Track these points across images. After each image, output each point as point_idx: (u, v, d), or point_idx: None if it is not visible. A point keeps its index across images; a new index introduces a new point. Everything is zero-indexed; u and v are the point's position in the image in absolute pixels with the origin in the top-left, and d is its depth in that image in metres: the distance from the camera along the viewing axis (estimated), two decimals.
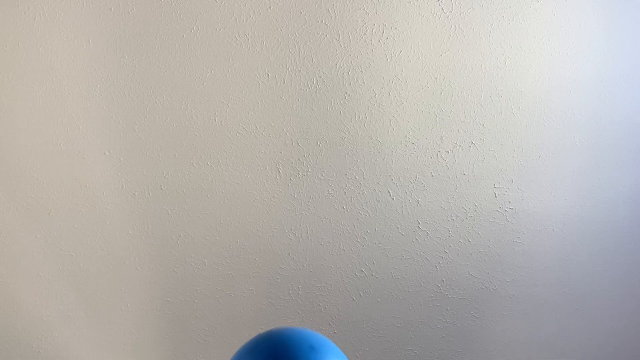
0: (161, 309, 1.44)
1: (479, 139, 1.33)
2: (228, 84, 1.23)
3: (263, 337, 0.93)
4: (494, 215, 1.41)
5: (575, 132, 1.36)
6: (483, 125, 1.32)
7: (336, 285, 1.44)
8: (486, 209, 1.40)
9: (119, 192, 1.30)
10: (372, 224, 1.39)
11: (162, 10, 1.18)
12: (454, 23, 1.24)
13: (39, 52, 1.18)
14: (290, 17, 1.20)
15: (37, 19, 1.16)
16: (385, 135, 1.31)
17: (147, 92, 1.23)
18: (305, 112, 1.27)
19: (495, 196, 1.39)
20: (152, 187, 1.31)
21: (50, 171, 1.27)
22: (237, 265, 1.40)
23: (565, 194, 1.41)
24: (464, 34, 1.25)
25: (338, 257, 1.41)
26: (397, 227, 1.40)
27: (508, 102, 1.31)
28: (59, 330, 1.44)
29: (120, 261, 1.37)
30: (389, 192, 1.36)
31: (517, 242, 1.45)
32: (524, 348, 1.58)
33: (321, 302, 1.45)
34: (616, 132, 1.38)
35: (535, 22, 1.26)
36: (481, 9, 1.23)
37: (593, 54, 1.30)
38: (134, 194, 1.31)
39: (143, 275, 1.39)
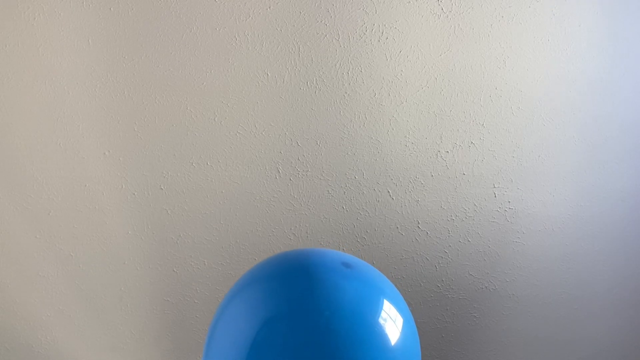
0: (161, 309, 1.44)
1: (478, 139, 1.33)
2: (228, 84, 1.23)
3: (289, 260, 0.73)
4: (494, 215, 1.41)
5: (575, 132, 1.36)
6: (483, 125, 1.32)
7: None
8: (486, 209, 1.40)
9: (118, 192, 1.30)
10: (372, 223, 1.39)
11: (161, 10, 1.18)
12: (454, 23, 1.24)
13: (39, 52, 1.18)
14: (290, 17, 1.20)
15: (37, 19, 1.16)
16: (385, 135, 1.31)
17: (147, 92, 1.23)
18: (305, 112, 1.27)
19: (495, 196, 1.39)
20: (152, 187, 1.31)
21: (50, 171, 1.27)
22: (237, 265, 1.40)
23: (565, 194, 1.41)
24: (464, 34, 1.25)
25: None
26: (397, 227, 1.40)
27: (508, 102, 1.31)
28: (59, 330, 1.44)
29: (120, 261, 1.38)
30: (388, 192, 1.36)
31: (517, 242, 1.44)
32: (524, 348, 1.58)
33: None
34: (616, 132, 1.38)
35: (535, 22, 1.26)
36: (481, 9, 1.23)
37: (593, 53, 1.30)
38: (134, 193, 1.31)
39: (143, 275, 1.39)
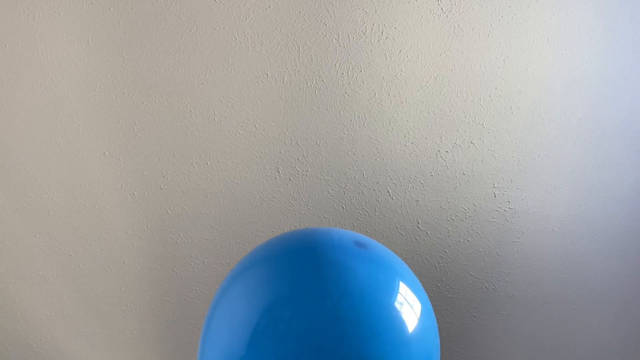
0: (161, 309, 1.44)
1: (478, 139, 1.33)
2: (228, 84, 1.23)
3: (295, 239, 0.65)
4: (494, 215, 1.41)
5: (574, 132, 1.36)
6: (482, 125, 1.32)
7: None
8: (485, 209, 1.40)
9: (118, 192, 1.30)
10: (372, 223, 1.39)
11: (161, 10, 1.18)
12: (454, 23, 1.24)
13: (39, 52, 1.18)
14: (289, 17, 1.20)
15: (37, 19, 1.16)
16: (385, 135, 1.31)
17: (147, 92, 1.23)
18: (304, 112, 1.27)
19: (495, 196, 1.39)
20: (152, 187, 1.31)
21: (50, 171, 1.27)
22: None
23: (565, 194, 1.41)
24: (464, 34, 1.25)
25: None
26: (397, 227, 1.40)
27: (508, 102, 1.31)
28: (59, 330, 1.44)
29: (120, 261, 1.38)
30: (388, 191, 1.36)
31: (517, 241, 1.44)
32: (523, 348, 1.58)
33: None
34: (615, 132, 1.38)
35: (535, 22, 1.26)
36: (481, 8, 1.23)
37: (592, 53, 1.30)
38: (134, 193, 1.31)
39: (143, 275, 1.39)
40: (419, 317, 0.61)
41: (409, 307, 0.60)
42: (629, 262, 1.52)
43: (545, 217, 1.43)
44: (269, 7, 1.19)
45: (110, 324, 1.44)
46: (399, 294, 0.60)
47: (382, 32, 1.23)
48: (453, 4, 1.22)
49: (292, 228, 1.37)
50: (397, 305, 0.59)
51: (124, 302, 1.42)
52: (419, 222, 1.40)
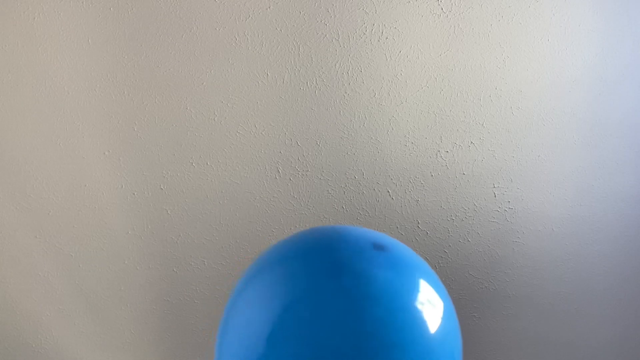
0: (161, 309, 1.44)
1: (478, 139, 1.33)
2: (228, 84, 1.23)
3: (311, 243, 0.64)
4: (494, 215, 1.41)
5: (575, 132, 1.36)
6: (482, 125, 1.32)
7: None
8: (486, 209, 1.40)
9: (118, 192, 1.30)
10: (372, 223, 1.39)
11: (161, 10, 1.18)
12: (454, 23, 1.24)
13: (39, 52, 1.18)
14: (289, 17, 1.20)
15: (37, 19, 1.16)
16: (385, 135, 1.31)
17: (147, 92, 1.23)
18: (304, 112, 1.27)
19: (495, 196, 1.39)
20: (152, 187, 1.31)
21: (50, 171, 1.27)
22: (237, 265, 1.40)
23: (565, 194, 1.41)
24: (464, 34, 1.25)
25: None
26: (397, 227, 1.39)
27: (507, 102, 1.31)
28: (59, 330, 1.44)
29: (120, 261, 1.38)
30: (388, 191, 1.36)
31: (517, 241, 1.44)
32: (523, 348, 1.58)
33: None
34: (615, 132, 1.38)
35: (535, 21, 1.26)
36: (481, 8, 1.23)
37: (593, 53, 1.30)
38: (134, 193, 1.31)
39: (143, 275, 1.39)
40: (440, 322, 0.60)
41: (432, 310, 0.59)
42: (629, 262, 1.52)
43: (545, 217, 1.43)
44: (269, 7, 1.19)
45: (110, 324, 1.44)
46: (420, 297, 0.59)
47: (382, 32, 1.23)
48: (453, 4, 1.22)
49: (292, 228, 1.37)
50: (419, 308, 0.58)
51: (124, 302, 1.42)
52: (419, 222, 1.40)
